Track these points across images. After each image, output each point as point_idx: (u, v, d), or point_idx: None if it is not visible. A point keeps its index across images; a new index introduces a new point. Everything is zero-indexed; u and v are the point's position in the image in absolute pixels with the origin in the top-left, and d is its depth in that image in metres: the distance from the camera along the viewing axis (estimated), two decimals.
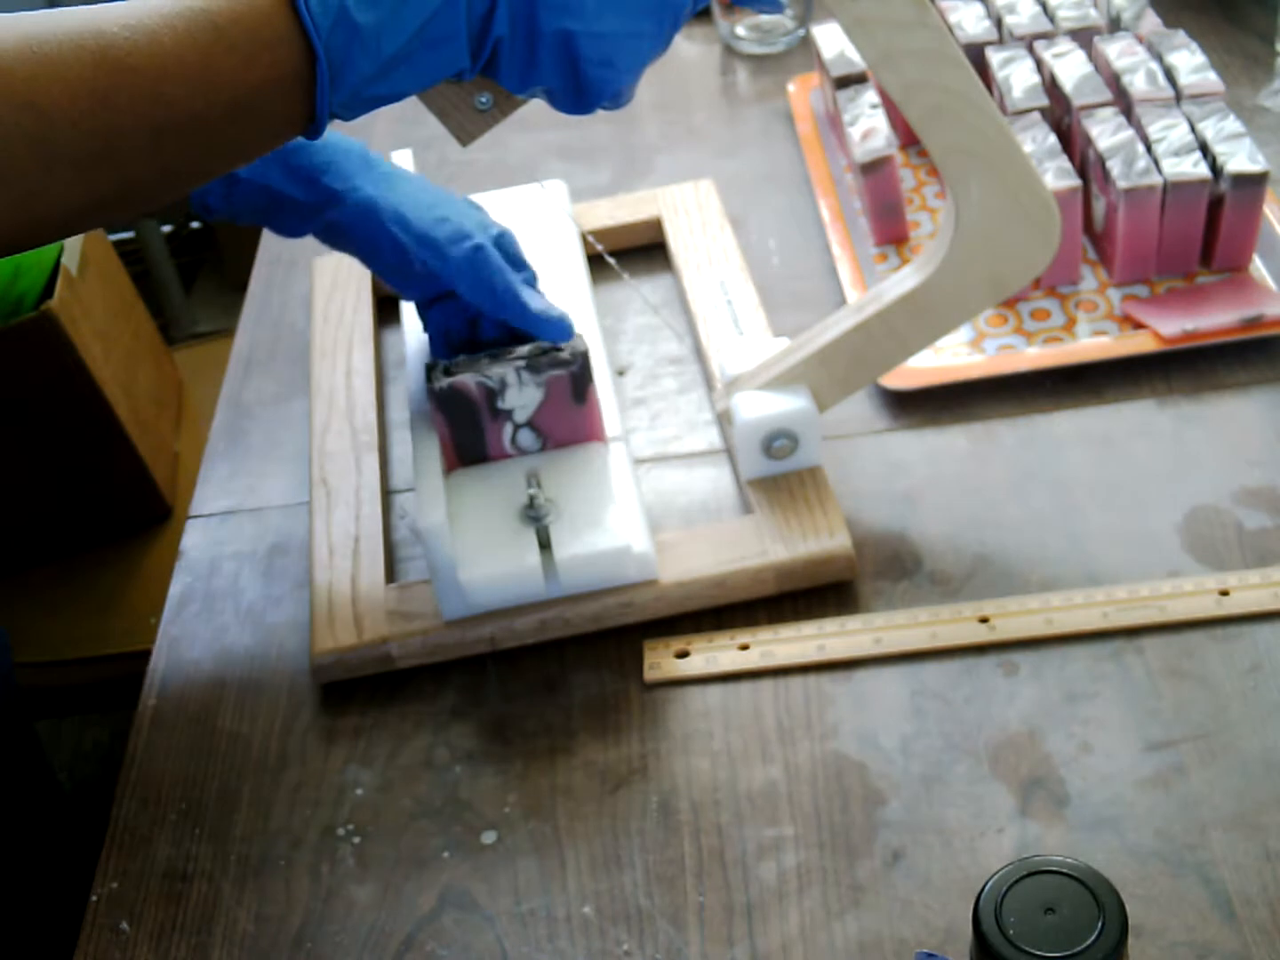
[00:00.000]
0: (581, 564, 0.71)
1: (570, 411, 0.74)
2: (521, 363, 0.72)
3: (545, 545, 0.71)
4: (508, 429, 0.75)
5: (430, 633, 0.72)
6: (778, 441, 0.76)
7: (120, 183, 0.53)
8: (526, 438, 0.75)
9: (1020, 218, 0.70)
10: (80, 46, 0.51)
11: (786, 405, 0.75)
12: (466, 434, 0.74)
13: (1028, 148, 0.86)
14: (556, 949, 0.61)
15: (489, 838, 0.65)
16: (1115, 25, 0.98)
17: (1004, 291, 0.73)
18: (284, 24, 0.54)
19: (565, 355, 0.72)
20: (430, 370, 0.73)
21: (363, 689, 0.73)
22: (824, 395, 0.76)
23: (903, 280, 0.73)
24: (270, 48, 0.54)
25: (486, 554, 0.71)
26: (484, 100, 0.66)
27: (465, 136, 0.68)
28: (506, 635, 0.72)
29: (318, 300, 0.96)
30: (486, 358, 0.73)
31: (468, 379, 0.72)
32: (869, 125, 0.93)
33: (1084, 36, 0.96)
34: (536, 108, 1.00)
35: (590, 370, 0.73)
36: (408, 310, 0.86)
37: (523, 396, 0.73)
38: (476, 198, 0.98)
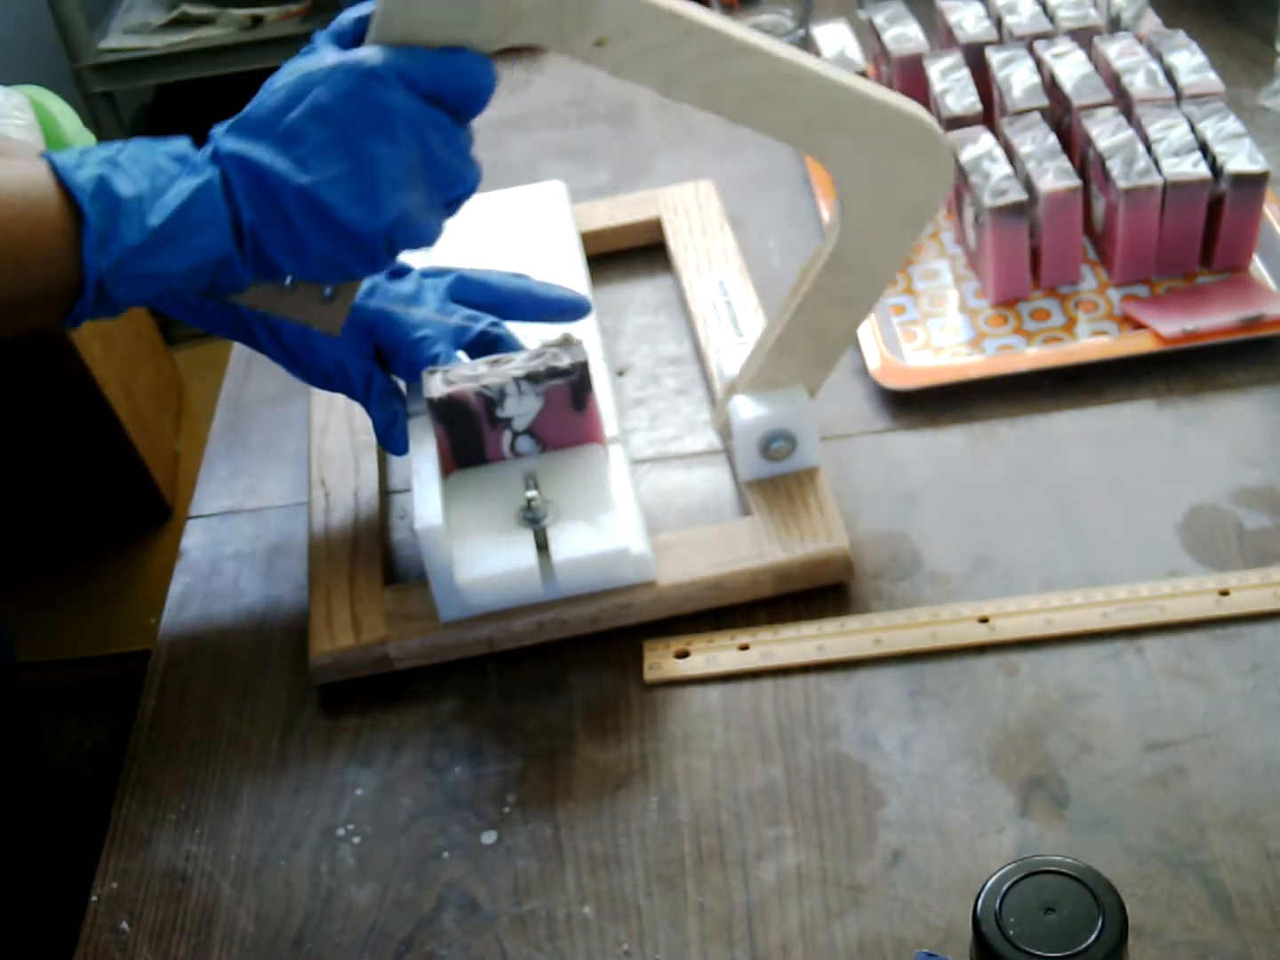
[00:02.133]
0: (579, 566, 0.71)
1: (569, 418, 0.74)
2: (520, 373, 0.72)
3: (543, 547, 0.71)
4: (506, 436, 0.74)
5: (428, 634, 0.72)
6: (775, 443, 0.76)
7: None
8: (525, 444, 0.75)
9: (895, 150, 0.68)
10: None
11: (784, 406, 0.75)
12: (465, 440, 0.74)
13: (1027, 148, 0.86)
14: (556, 949, 0.61)
15: (489, 838, 0.65)
16: (1115, 25, 0.98)
17: (922, 219, 0.70)
18: (50, 186, 0.58)
19: (565, 366, 0.72)
20: (427, 379, 0.73)
21: (363, 689, 0.73)
22: (806, 380, 0.76)
23: (821, 250, 0.72)
24: (36, 205, 0.57)
25: (484, 556, 0.71)
26: (327, 291, 0.68)
27: (331, 327, 0.71)
28: (504, 637, 0.72)
29: None
30: (485, 365, 0.73)
31: (466, 389, 0.72)
32: None
33: (1084, 36, 0.96)
34: (536, 108, 1.02)
35: (590, 379, 0.73)
36: None
37: (522, 406, 0.73)
38: (477, 198, 0.98)
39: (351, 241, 0.62)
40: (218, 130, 0.63)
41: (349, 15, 0.65)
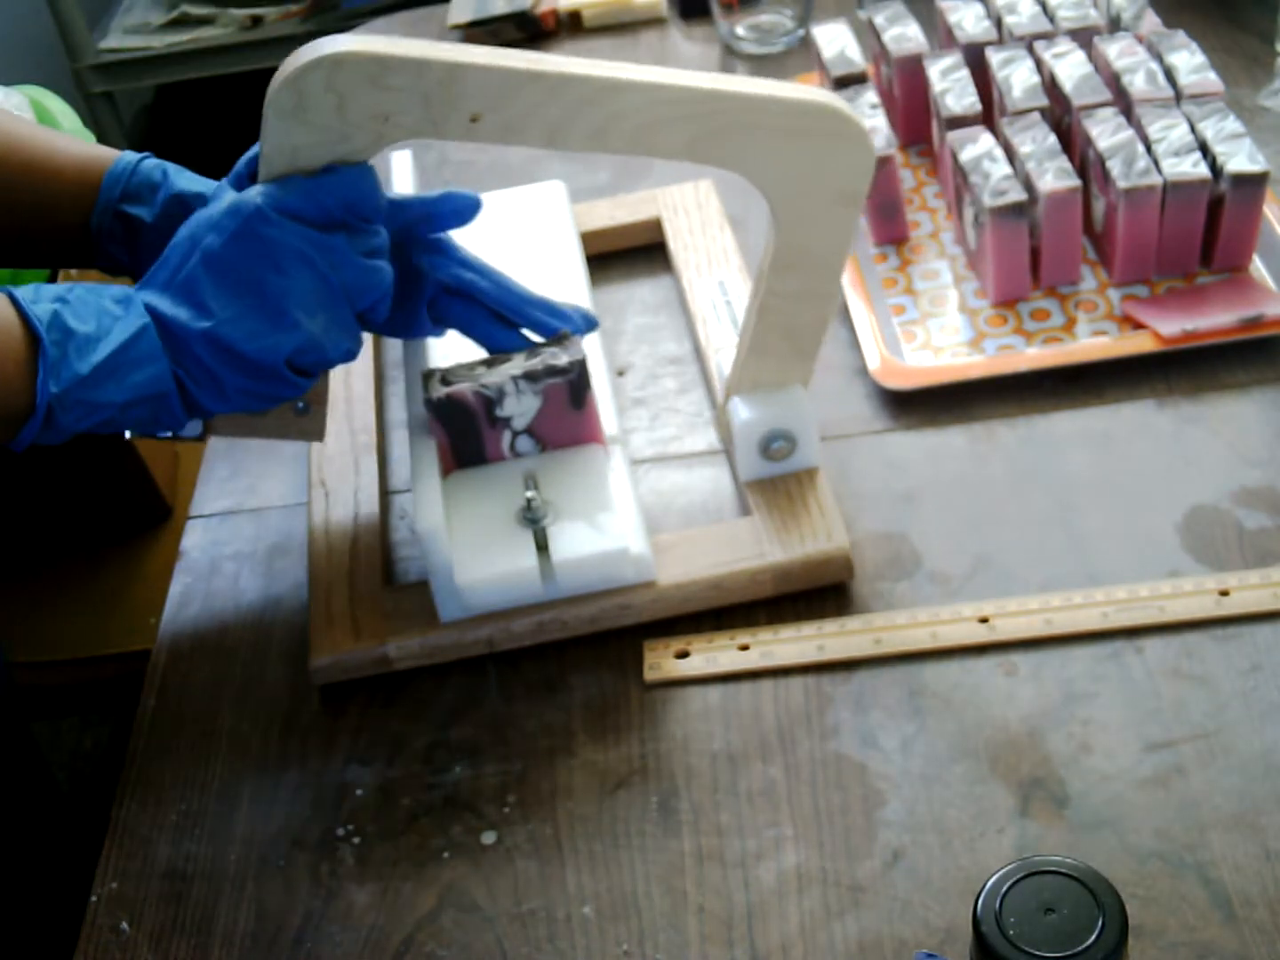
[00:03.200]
0: (579, 566, 0.71)
1: (568, 417, 0.74)
2: (518, 372, 0.72)
3: (542, 547, 0.71)
4: (506, 436, 0.74)
5: (428, 634, 0.72)
6: (775, 443, 0.76)
7: None
8: (525, 443, 0.75)
9: (807, 140, 0.67)
10: None
11: (783, 407, 0.75)
12: (464, 440, 0.74)
13: (1027, 148, 0.86)
14: (556, 949, 0.61)
15: (489, 838, 0.65)
16: (1115, 25, 0.98)
17: (855, 200, 0.69)
18: (10, 314, 0.62)
19: (563, 364, 0.72)
20: (427, 379, 0.73)
21: (363, 689, 0.73)
22: (792, 375, 0.76)
23: (766, 250, 0.72)
24: None
25: (484, 556, 0.71)
26: (300, 405, 0.72)
27: (315, 436, 0.75)
28: (504, 637, 0.72)
29: None
30: (483, 365, 0.73)
31: (465, 389, 0.72)
32: (869, 125, 0.93)
33: (1084, 36, 0.96)
34: None
35: (588, 378, 0.73)
36: None
37: (521, 405, 0.73)
38: None
39: (260, 373, 0.65)
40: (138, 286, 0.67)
41: (244, 158, 0.69)
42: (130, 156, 0.75)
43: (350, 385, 0.89)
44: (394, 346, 0.94)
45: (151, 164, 0.74)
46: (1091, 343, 0.84)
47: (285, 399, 0.68)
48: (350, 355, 0.68)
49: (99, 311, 0.64)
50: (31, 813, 0.94)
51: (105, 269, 0.76)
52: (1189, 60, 0.91)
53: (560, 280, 0.88)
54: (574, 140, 0.66)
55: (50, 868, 0.93)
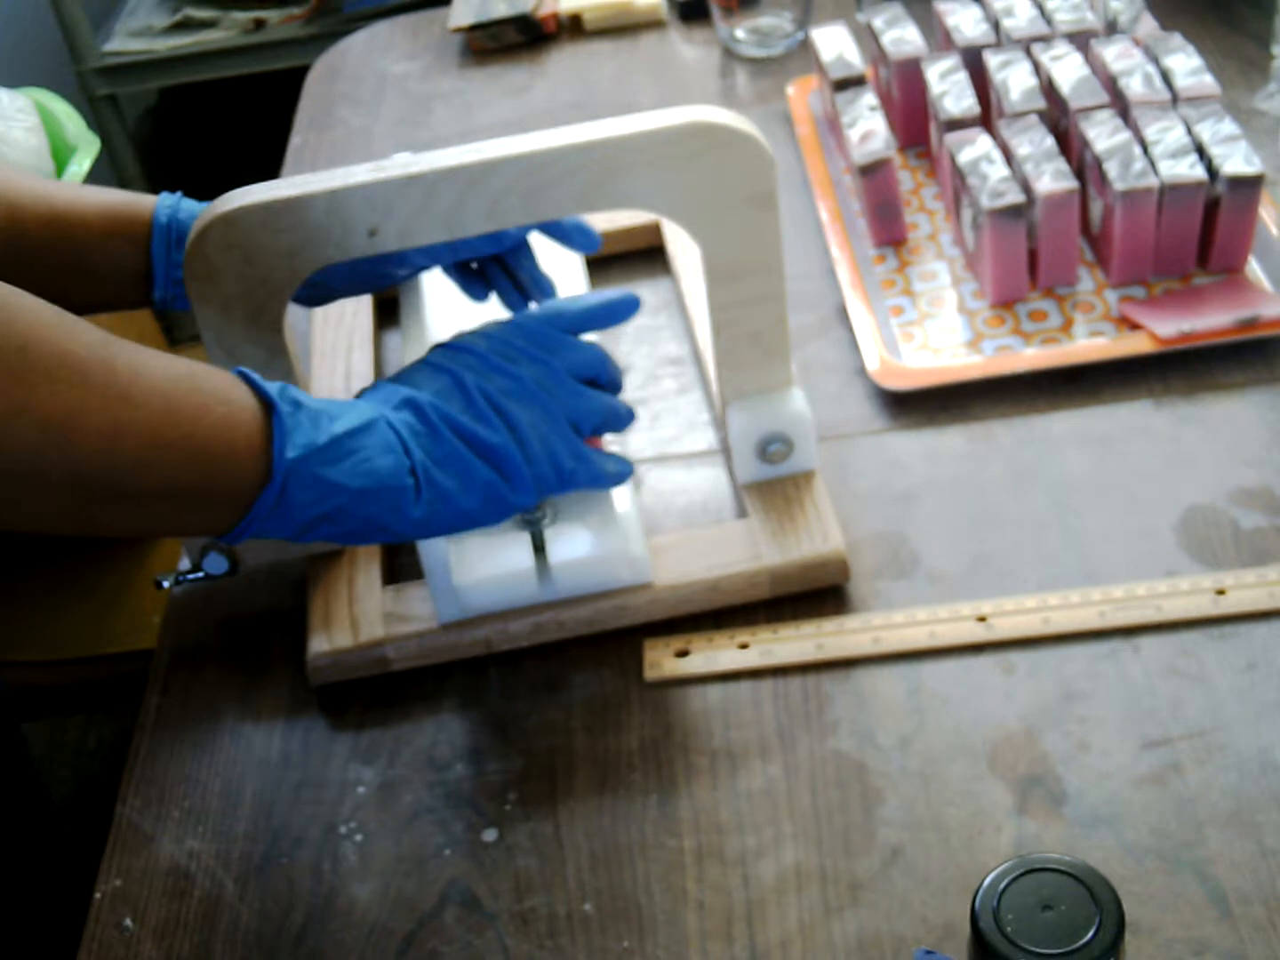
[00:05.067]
0: (576, 567, 0.71)
1: None
2: None
3: (540, 549, 0.72)
4: None
5: (425, 635, 0.72)
6: (773, 446, 0.76)
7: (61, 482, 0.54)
8: None
9: (696, 160, 0.67)
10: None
11: (781, 409, 0.75)
12: None
13: (1025, 150, 0.87)
14: (557, 946, 0.61)
15: (490, 836, 0.66)
16: (1112, 28, 0.98)
17: (768, 197, 0.69)
18: (239, 383, 0.59)
19: None
20: None
21: (365, 687, 0.73)
22: (774, 378, 0.76)
23: (697, 263, 0.73)
24: (225, 400, 0.58)
25: (481, 557, 0.71)
26: None
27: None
28: (501, 638, 0.73)
29: None
30: None
31: None
32: (867, 127, 0.93)
33: (1081, 39, 0.96)
34: (537, 110, 1.00)
35: None
36: (407, 311, 0.86)
37: None
38: None
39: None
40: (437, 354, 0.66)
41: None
42: (164, 210, 0.74)
43: (350, 387, 0.89)
44: (395, 348, 0.94)
45: (192, 209, 0.73)
46: (1089, 343, 0.84)
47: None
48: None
49: (326, 399, 0.62)
50: (23, 812, 0.94)
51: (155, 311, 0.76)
52: (1185, 63, 0.91)
53: (560, 282, 0.88)
54: (471, 225, 0.67)
55: (54, 866, 0.93)
